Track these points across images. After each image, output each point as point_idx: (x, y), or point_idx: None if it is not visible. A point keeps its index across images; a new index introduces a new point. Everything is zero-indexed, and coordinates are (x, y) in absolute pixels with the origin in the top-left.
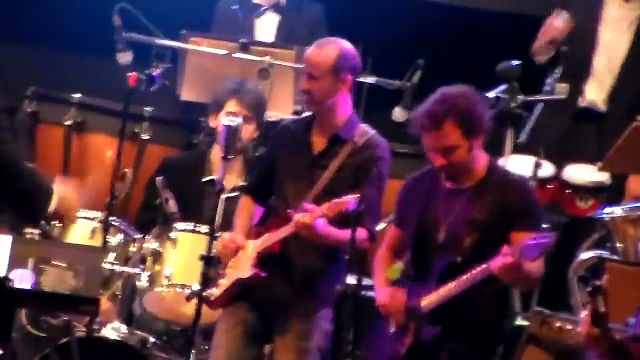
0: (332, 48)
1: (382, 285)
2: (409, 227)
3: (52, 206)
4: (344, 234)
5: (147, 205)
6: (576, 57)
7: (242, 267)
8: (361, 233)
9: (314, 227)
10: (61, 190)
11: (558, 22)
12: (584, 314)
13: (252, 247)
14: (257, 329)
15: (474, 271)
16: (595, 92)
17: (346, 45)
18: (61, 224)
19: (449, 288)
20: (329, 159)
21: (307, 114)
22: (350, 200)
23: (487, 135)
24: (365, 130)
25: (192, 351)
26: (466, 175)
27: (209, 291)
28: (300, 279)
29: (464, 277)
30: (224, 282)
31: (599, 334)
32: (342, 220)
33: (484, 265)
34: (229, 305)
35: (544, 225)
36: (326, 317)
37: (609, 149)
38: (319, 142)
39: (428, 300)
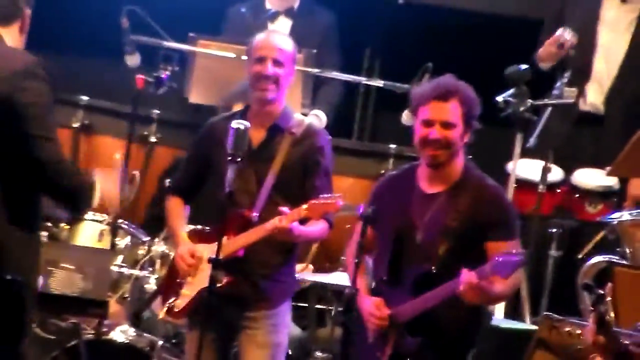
0: (288, 38)
1: (365, 293)
2: (384, 226)
3: (96, 199)
4: (313, 231)
5: (156, 201)
6: (577, 60)
7: (202, 275)
8: (323, 225)
9: (292, 231)
10: (102, 182)
11: (567, 35)
12: (589, 321)
13: (208, 253)
14: (222, 336)
15: (442, 288)
16: (596, 95)
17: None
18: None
19: (425, 300)
20: (269, 151)
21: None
22: (334, 200)
23: (471, 142)
24: (302, 120)
25: None
26: (442, 176)
27: (170, 302)
28: (261, 277)
29: (438, 291)
30: (187, 292)
31: (604, 342)
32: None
33: (451, 284)
34: (193, 320)
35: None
36: (288, 311)
37: (606, 152)
38: (256, 135)
39: (404, 311)
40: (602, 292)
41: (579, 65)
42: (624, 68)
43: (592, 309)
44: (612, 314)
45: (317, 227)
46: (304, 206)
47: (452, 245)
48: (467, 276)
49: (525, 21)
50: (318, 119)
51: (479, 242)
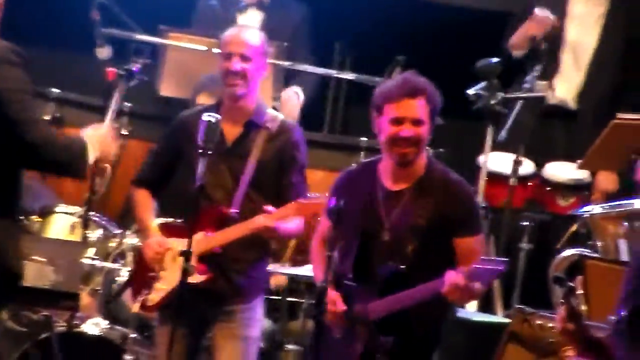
0: (257, 32)
1: (330, 287)
2: (347, 223)
3: (92, 157)
4: (292, 228)
5: None
6: (546, 54)
7: (176, 269)
8: (299, 221)
9: (276, 230)
10: (93, 138)
11: (543, 18)
12: (560, 310)
13: (181, 247)
14: (193, 330)
15: (423, 287)
16: (564, 90)
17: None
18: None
19: (400, 299)
20: (244, 147)
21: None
22: (321, 199)
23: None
24: (275, 115)
25: None
26: (408, 173)
27: (143, 295)
28: (235, 272)
29: (417, 290)
30: (162, 287)
31: (574, 330)
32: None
33: (434, 283)
34: (164, 314)
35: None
36: (261, 305)
37: (578, 147)
38: (231, 131)
39: (375, 309)
40: (573, 284)
41: (548, 59)
42: (593, 62)
43: (562, 301)
44: (585, 307)
45: (294, 224)
46: (292, 205)
47: (421, 244)
48: (453, 277)
49: (495, 14)
50: (297, 95)
51: (447, 239)
